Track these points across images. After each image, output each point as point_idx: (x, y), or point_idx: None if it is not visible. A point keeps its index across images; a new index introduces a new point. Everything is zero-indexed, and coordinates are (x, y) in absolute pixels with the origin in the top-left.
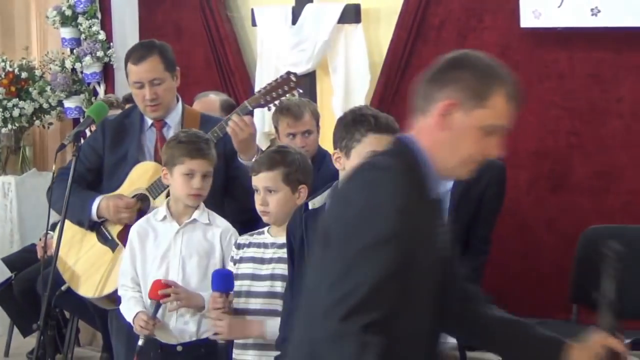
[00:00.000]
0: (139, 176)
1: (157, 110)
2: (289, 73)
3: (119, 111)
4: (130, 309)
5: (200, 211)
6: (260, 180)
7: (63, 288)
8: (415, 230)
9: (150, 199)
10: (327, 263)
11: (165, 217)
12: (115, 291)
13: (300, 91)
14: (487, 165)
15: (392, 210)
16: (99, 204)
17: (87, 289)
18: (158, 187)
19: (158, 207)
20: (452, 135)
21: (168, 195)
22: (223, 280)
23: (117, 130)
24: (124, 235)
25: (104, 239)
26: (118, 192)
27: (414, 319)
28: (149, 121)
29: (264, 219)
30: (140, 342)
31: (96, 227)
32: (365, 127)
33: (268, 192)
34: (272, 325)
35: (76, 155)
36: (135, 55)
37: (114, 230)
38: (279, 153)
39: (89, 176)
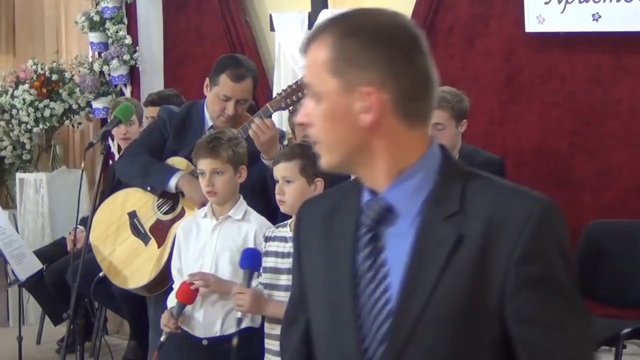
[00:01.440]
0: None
1: (228, 124)
2: None
3: None
4: (171, 301)
5: (236, 208)
6: (279, 170)
7: (101, 275)
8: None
9: (180, 195)
10: None
11: (206, 214)
12: (152, 282)
13: None
14: (485, 160)
15: None
16: (181, 177)
17: (122, 281)
18: None
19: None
20: None
21: None
22: (249, 258)
23: (180, 125)
24: (155, 230)
25: (137, 232)
26: None
27: None
28: (209, 123)
29: (281, 208)
30: (162, 338)
31: (131, 219)
32: None
33: (286, 182)
34: None
35: (104, 154)
36: (236, 72)
37: (147, 224)
38: (299, 146)
39: (158, 155)
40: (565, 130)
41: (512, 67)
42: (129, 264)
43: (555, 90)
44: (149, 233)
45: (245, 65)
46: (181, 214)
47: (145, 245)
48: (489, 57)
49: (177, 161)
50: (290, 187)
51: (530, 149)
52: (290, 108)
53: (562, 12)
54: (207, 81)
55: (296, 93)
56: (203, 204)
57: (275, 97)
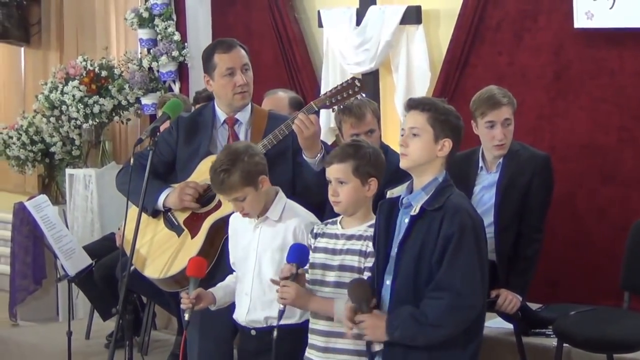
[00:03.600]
0: (208, 168)
1: (246, 97)
2: (353, 79)
3: None
4: (218, 289)
5: (273, 208)
6: (332, 172)
7: (131, 269)
8: None
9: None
10: None
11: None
12: (180, 272)
13: (364, 95)
14: (530, 157)
15: None
16: (167, 195)
17: (153, 270)
18: None
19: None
20: None
21: None
22: (296, 253)
23: (190, 126)
24: (189, 222)
25: (171, 224)
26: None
27: None
28: (222, 118)
29: (335, 208)
30: (186, 317)
31: (165, 214)
32: None
33: (339, 183)
34: (340, 306)
35: (152, 149)
36: (223, 45)
37: (181, 217)
38: (351, 146)
39: (161, 168)
40: (613, 126)
41: (560, 62)
42: (160, 254)
43: (604, 85)
44: (182, 225)
45: (227, 39)
46: (217, 207)
47: (178, 236)
48: (538, 53)
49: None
50: (344, 188)
51: (579, 144)
52: (335, 107)
53: (611, 8)
54: (205, 78)
55: (341, 93)
56: (183, 204)
57: (321, 95)
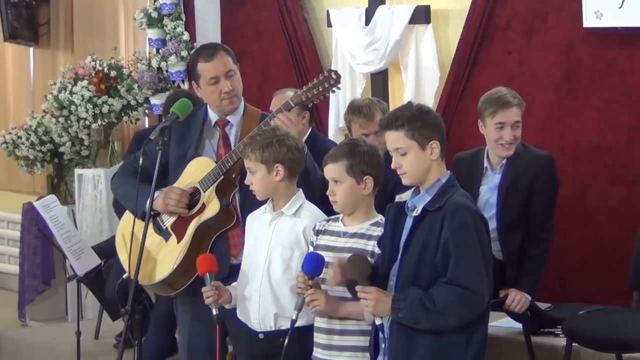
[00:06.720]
0: (194, 171)
1: (234, 102)
2: (330, 71)
3: None
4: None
5: (290, 204)
6: (327, 172)
7: (124, 276)
8: None
9: (201, 191)
10: None
11: (266, 209)
12: (168, 277)
13: (340, 88)
14: (533, 157)
15: None
16: (155, 199)
17: (142, 277)
18: (209, 180)
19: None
20: None
21: (217, 187)
22: (310, 264)
23: (181, 129)
24: (176, 226)
25: (159, 229)
26: (174, 185)
27: None
28: (213, 120)
29: (334, 207)
30: (214, 312)
31: (154, 218)
32: None
33: (334, 182)
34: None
35: (161, 149)
36: (205, 53)
37: (168, 221)
38: (346, 145)
39: (153, 172)
40: (623, 126)
41: (570, 62)
42: (148, 260)
43: (614, 85)
44: (170, 229)
45: (210, 45)
46: (201, 209)
47: (166, 241)
48: (547, 52)
49: (200, 161)
50: (339, 187)
51: (588, 144)
52: (311, 103)
53: (620, 7)
54: (193, 85)
55: (317, 87)
56: (167, 209)
57: (298, 91)
